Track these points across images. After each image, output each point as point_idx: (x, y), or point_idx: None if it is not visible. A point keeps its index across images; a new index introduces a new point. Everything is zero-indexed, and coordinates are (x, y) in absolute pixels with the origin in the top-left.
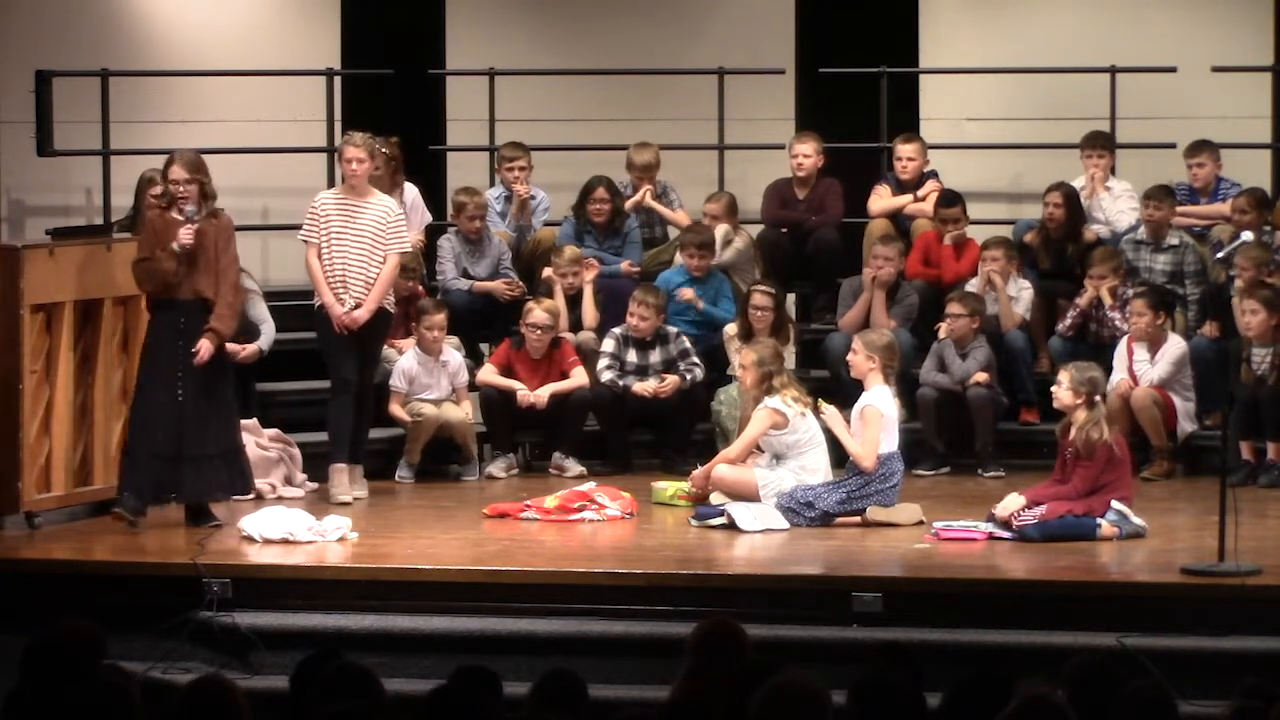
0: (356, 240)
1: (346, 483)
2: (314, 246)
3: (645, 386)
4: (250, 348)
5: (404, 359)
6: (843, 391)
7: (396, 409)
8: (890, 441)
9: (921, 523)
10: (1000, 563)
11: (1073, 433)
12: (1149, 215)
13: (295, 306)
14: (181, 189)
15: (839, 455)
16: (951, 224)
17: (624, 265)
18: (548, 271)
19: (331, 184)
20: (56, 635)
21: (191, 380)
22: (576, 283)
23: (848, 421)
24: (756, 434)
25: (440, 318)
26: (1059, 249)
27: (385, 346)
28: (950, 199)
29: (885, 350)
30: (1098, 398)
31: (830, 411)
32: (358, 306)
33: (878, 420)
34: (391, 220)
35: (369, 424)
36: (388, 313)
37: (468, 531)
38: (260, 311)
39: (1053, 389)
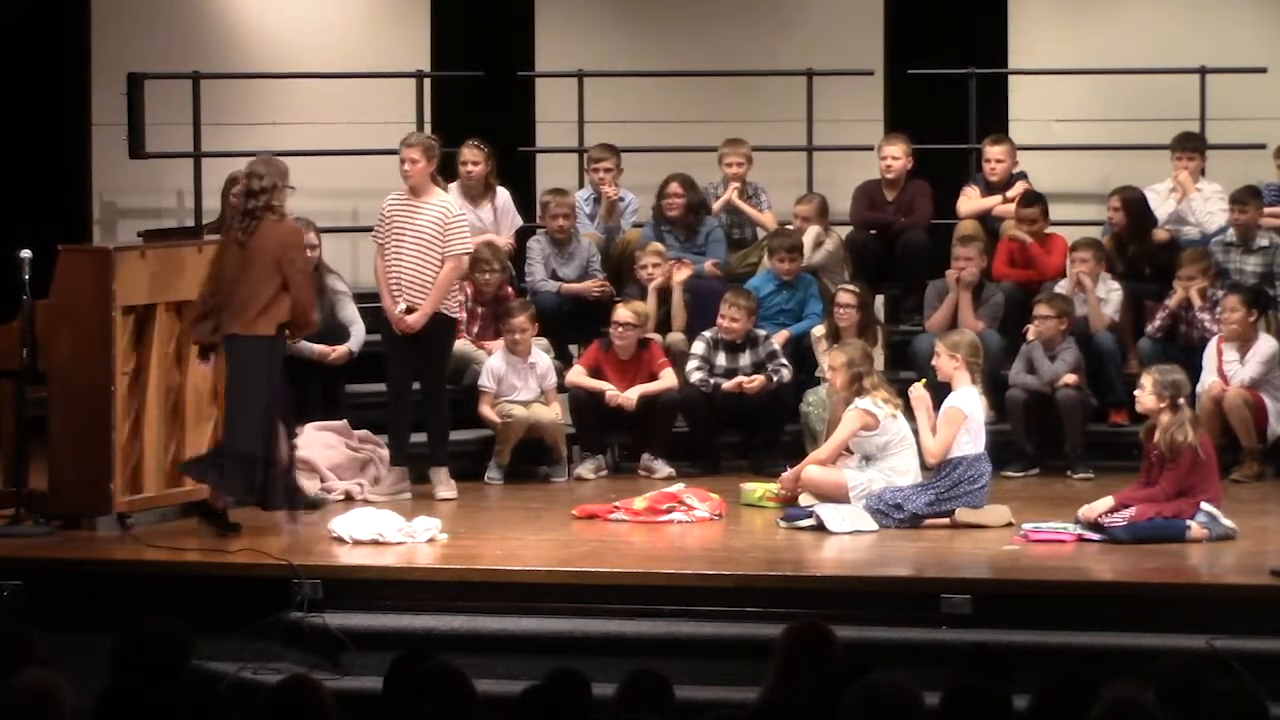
0: (414, 241)
1: (395, 481)
2: (380, 248)
3: (732, 383)
4: (340, 349)
5: (492, 360)
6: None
7: (486, 410)
8: (978, 443)
9: (1010, 524)
10: (1089, 564)
11: (1157, 436)
12: (1235, 217)
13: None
14: None
15: None
16: (1027, 224)
17: (707, 265)
18: (636, 269)
19: None
20: (144, 634)
21: None
22: (658, 274)
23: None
24: (847, 435)
25: (521, 319)
26: (1125, 250)
27: (474, 347)
28: (1030, 199)
29: (968, 348)
30: (1181, 401)
31: (921, 393)
32: (410, 310)
33: (957, 421)
34: (449, 221)
35: (447, 425)
36: (448, 317)
37: (557, 533)
38: (350, 313)
39: (1136, 393)
